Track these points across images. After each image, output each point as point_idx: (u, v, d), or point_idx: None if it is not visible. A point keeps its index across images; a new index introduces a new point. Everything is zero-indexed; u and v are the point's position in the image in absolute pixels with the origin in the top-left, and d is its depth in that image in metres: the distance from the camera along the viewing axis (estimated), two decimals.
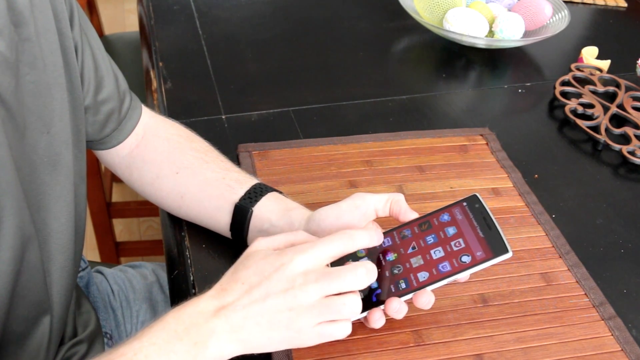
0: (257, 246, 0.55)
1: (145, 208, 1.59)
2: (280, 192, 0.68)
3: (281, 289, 0.51)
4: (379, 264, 0.59)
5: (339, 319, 0.53)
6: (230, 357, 0.52)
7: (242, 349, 0.52)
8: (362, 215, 0.61)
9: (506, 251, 0.56)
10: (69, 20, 0.61)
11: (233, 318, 0.51)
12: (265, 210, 0.65)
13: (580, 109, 0.92)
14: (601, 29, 1.19)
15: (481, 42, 1.04)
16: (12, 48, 0.53)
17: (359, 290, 0.57)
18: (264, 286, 0.51)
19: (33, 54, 0.56)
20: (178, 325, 0.51)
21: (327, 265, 0.54)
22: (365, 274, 0.53)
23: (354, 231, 0.55)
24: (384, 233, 0.61)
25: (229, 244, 0.69)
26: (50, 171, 0.59)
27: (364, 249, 0.60)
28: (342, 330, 0.54)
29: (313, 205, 0.66)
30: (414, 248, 0.59)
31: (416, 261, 0.58)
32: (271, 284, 0.51)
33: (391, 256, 0.59)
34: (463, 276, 0.57)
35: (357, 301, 0.53)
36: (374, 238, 0.57)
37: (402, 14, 1.12)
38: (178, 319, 0.51)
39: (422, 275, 0.57)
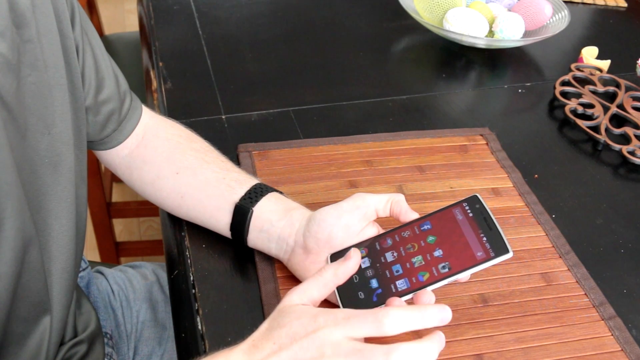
0: (290, 301, 0.53)
1: (145, 208, 1.59)
2: (281, 192, 0.68)
3: (310, 357, 0.49)
4: (379, 264, 0.59)
5: None
6: None
7: None
8: (362, 216, 0.61)
9: (507, 251, 0.56)
10: (70, 21, 0.61)
11: None
12: (265, 210, 0.65)
13: (580, 109, 0.92)
14: (601, 29, 1.19)
15: (481, 42, 1.04)
16: (13, 49, 0.53)
17: (359, 290, 0.57)
18: (294, 349, 0.49)
19: (34, 55, 0.56)
20: None
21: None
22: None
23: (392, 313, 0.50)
24: (384, 233, 0.61)
25: (229, 244, 0.69)
26: (51, 172, 0.59)
27: (364, 249, 0.60)
28: None
29: (313, 205, 0.66)
30: (414, 248, 0.59)
31: (417, 261, 0.58)
32: (301, 349, 0.49)
33: (392, 256, 0.59)
34: (463, 276, 0.57)
35: None
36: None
37: (402, 14, 1.12)
38: None
39: (423, 275, 0.57)
